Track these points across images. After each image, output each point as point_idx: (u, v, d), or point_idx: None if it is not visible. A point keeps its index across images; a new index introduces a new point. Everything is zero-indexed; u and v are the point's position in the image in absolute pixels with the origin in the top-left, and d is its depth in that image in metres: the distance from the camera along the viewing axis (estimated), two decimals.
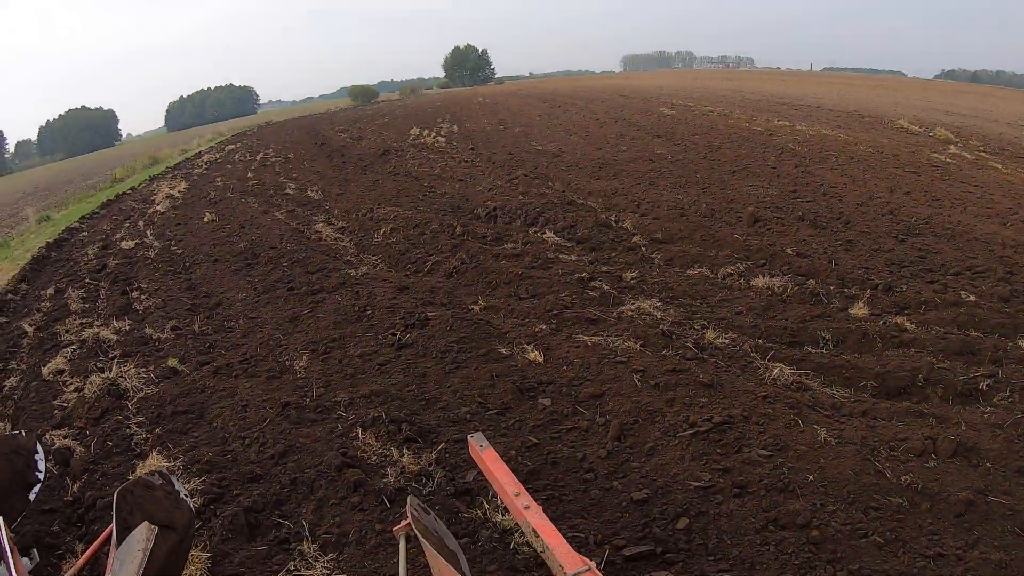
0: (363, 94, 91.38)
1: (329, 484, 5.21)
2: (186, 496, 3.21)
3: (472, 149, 22.67)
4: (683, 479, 4.79)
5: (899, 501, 4.34)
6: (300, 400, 6.68)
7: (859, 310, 7.40)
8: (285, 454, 5.71)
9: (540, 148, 21.27)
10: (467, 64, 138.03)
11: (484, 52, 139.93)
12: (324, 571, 4.37)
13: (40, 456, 4.12)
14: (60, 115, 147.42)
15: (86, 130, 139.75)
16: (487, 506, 4.76)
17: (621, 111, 31.20)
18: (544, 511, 3.21)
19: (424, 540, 2.87)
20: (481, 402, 6.21)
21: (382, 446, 5.62)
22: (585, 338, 7.14)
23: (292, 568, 4.44)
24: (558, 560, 2.76)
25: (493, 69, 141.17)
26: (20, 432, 4.19)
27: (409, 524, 3.23)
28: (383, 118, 42.59)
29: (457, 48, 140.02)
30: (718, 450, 5.04)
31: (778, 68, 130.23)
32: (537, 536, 2.98)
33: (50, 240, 18.22)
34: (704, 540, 4.27)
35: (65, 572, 4.81)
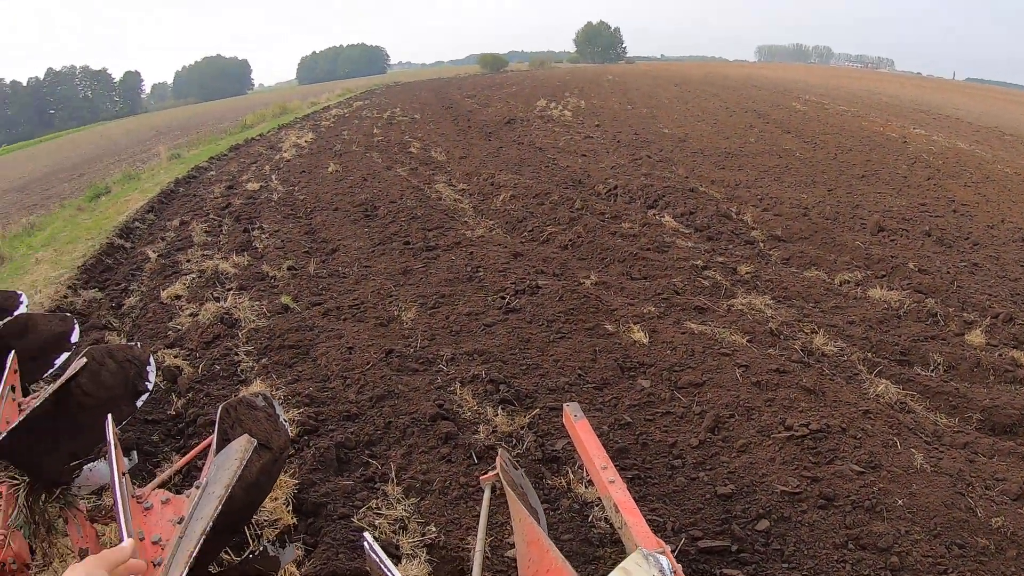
0: (492, 62, 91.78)
1: (421, 432, 5.33)
2: (284, 421, 3.31)
3: (598, 126, 22.55)
4: (770, 481, 4.68)
5: (986, 543, 4.10)
6: (404, 349, 6.82)
7: (976, 337, 7.01)
8: (383, 398, 5.85)
9: (667, 131, 21.00)
10: (599, 41, 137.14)
11: (617, 30, 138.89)
12: (404, 513, 4.50)
13: (152, 368, 4.31)
14: (196, 61, 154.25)
15: (220, 77, 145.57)
16: (571, 476, 4.79)
17: (752, 102, 30.55)
18: (628, 489, 3.20)
19: (510, 491, 2.89)
20: (581, 374, 6.21)
21: (478, 404, 5.70)
22: (692, 325, 7.05)
23: (374, 506, 4.59)
24: (634, 538, 2.73)
25: (625, 48, 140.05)
26: (136, 344, 4.41)
27: (497, 475, 3.26)
28: (511, 87, 42.81)
29: (590, 24, 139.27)
30: (810, 458, 4.89)
31: (918, 73, 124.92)
32: (617, 512, 2.94)
33: (179, 176, 19.09)
34: (781, 546, 4.17)
35: (160, 476, 5.12)
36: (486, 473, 3.55)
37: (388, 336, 7.21)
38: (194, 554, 2.26)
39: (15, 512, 3.63)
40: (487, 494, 3.36)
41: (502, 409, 5.57)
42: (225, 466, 2.64)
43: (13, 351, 4.43)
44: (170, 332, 7.91)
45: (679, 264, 8.91)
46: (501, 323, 7.29)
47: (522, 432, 5.30)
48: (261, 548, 2.82)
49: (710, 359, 6.31)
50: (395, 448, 5.22)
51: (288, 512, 4.60)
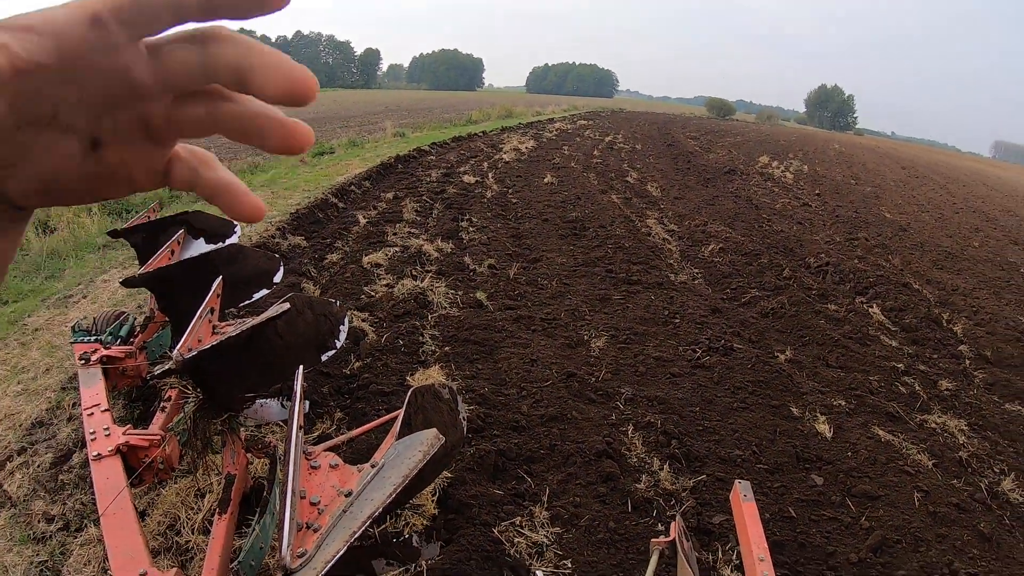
0: (720, 107, 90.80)
1: (583, 464, 5.23)
2: (464, 419, 3.30)
3: (818, 195, 21.75)
4: None
5: None
6: (586, 376, 6.75)
7: None
8: (554, 419, 5.80)
9: (888, 216, 19.94)
10: (830, 106, 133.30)
11: (850, 98, 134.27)
12: (545, 540, 4.42)
13: (344, 328, 4.44)
14: (433, 51, 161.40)
15: (453, 70, 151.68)
16: (720, 555, 4.56)
17: (981, 202, 28.68)
18: None
19: (685, 565, 2.74)
20: (756, 452, 5.92)
21: (646, 452, 5.54)
22: (880, 432, 6.58)
23: (517, 523, 4.53)
24: None
25: (856, 118, 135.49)
26: (336, 301, 4.55)
27: (671, 542, 3.11)
28: (735, 137, 42.13)
29: (824, 87, 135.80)
30: None
31: None
32: None
33: (400, 153, 19.92)
34: None
35: (322, 430, 5.36)
36: (656, 531, 3.40)
37: (573, 359, 7.16)
38: (357, 535, 2.25)
39: (178, 419, 3.90)
40: (655, 559, 3.21)
41: (669, 465, 5.39)
42: (406, 455, 2.63)
43: (220, 276, 4.69)
44: (363, 296, 8.24)
45: (879, 362, 8.37)
46: (688, 376, 7.08)
47: (683, 495, 5.10)
48: (407, 536, 2.79)
49: (891, 473, 5.86)
50: (553, 473, 5.15)
51: (433, 502, 4.64)
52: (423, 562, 3.98)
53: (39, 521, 4.50)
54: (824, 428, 6.40)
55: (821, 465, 5.87)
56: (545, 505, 4.73)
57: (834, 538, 4.98)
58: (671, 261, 11.48)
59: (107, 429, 3.69)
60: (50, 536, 4.37)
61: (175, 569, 2.72)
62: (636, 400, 6.42)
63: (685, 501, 5.00)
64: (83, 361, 4.52)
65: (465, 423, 3.26)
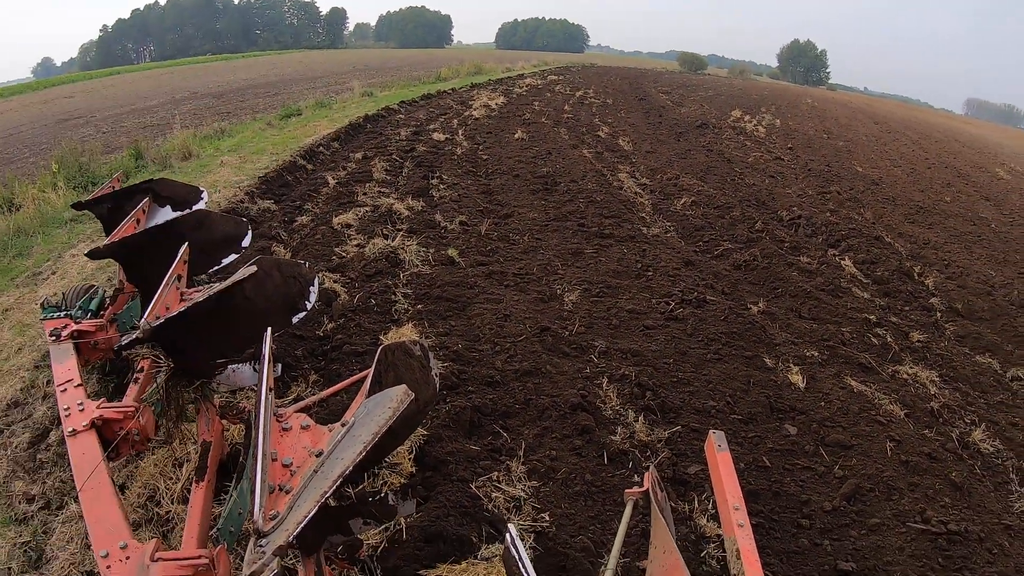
0: (692, 62, 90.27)
1: (559, 418, 5.24)
2: (436, 376, 3.28)
3: (790, 149, 21.76)
4: (894, 571, 4.30)
5: None
6: (559, 330, 6.74)
7: None
8: (528, 374, 5.80)
9: (860, 170, 19.99)
10: (803, 61, 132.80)
11: (823, 53, 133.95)
12: (522, 494, 4.43)
13: (315, 290, 4.42)
14: (400, 8, 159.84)
15: (420, 27, 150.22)
16: (696, 505, 4.58)
17: (953, 158, 28.83)
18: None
19: (659, 515, 2.74)
20: (730, 403, 5.93)
21: (621, 404, 5.55)
22: (852, 382, 6.62)
23: (495, 478, 4.54)
24: None
25: (828, 73, 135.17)
26: (305, 263, 4.50)
27: (644, 492, 3.11)
28: (707, 91, 41.99)
29: (796, 42, 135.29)
30: (939, 559, 4.46)
31: None
32: (738, 558, 2.76)
33: (368, 113, 19.77)
34: None
35: (294, 391, 5.30)
36: (630, 481, 3.40)
37: (546, 313, 7.14)
38: (328, 494, 2.23)
39: (152, 389, 3.85)
40: (629, 509, 3.20)
41: (644, 417, 5.40)
42: (376, 413, 2.60)
43: (187, 243, 4.62)
44: (334, 257, 8.19)
45: (851, 314, 8.41)
46: (661, 329, 7.07)
47: (659, 446, 5.11)
48: (383, 495, 2.77)
49: (863, 423, 5.90)
50: (529, 427, 5.15)
51: (410, 460, 4.63)
52: (401, 520, 3.98)
53: (20, 502, 4.43)
54: (797, 379, 6.43)
55: (795, 415, 5.91)
56: (522, 459, 4.73)
57: (808, 487, 5.02)
58: (643, 215, 11.45)
59: (81, 404, 3.64)
60: (32, 516, 4.30)
61: (155, 540, 2.68)
62: (610, 353, 6.41)
63: (660, 452, 5.02)
64: (54, 337, 4.45)
65: (438, 379, 3.24)
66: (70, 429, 3.48)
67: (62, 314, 4.78)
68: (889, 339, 7.88)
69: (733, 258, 9.67)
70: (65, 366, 4.13)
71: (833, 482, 5.11)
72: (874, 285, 9.87)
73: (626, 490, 3.26)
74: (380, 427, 2.43)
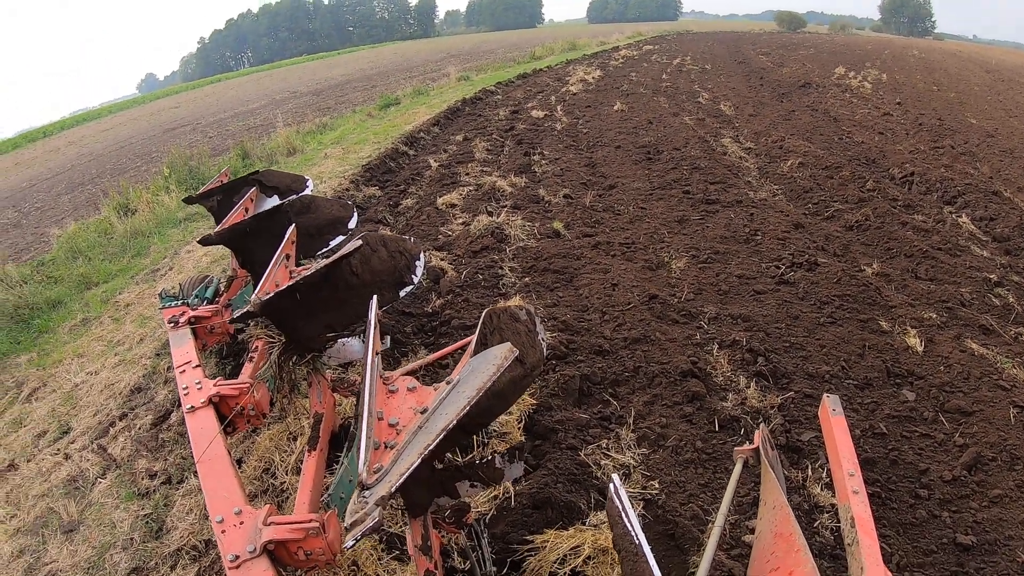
0: (790, 20, 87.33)
1: (669, 385, 5.16)
2: (543, 340, 3.25)
3: (899, 104, 20.77)
4: (1016, 546, 4.01)
5: None
6: (668, 298, 6.64)
7: None
8: (637, 342, 5.73)
9: (974, 123, 18.93)
10: (906, 11, 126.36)
11: (927, 2, 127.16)
12: (632, 461, 4.39)
13: (421, 264, 4.45)
14: None
15: (511, 9, 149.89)
16: (810, 473, 4.42)
17: None
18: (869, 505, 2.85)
19: (769, 472, 2.66)
20: (844, 367, 5.69)
21: (732, 371, 5.43)
22: (973, 345, 6.22)
23: (604, 446, 4.51)
24: (863, 560, 2.41)
25: (934, 22, 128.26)
26: (410, 238, 4.54)
27: (755, 450, 3.03)
28: (808, 49, 40.50)
29: None
30: None
31: None
32: (853, 527, 2.61)
33: (466, 96, 19.91)
34: None
35: (405, 364, 5.32)
36: (741, 445, 3.31)
37: (654, 281, 7.05)
38: (431, 447, 2.24)
39: (265, 366, 3.96)
40: (738, 467, 3.12)
41: (755, 382, 5.25)
42: (480, 369, 2.59)
43: (294, 224, 4.74)
44: (440, 236, 8.29)
45: (971, 273, 7.95)
46: (772, 293, 6.87)
47: (771, 412, 4.97)
48: (490, 457, 2.77)
49: (985, 388, 5.51)
50: (639, 394, 5.10)
51: (519, 430, 4.67)
52: (509, 486, 4.00)
53: (142, 478, 4.69)
54: (915, 342, 6.10)
55: (913, 380, 5.60)
56: (631, 427, 4.69)
57: (927, 455, 4.74)
58: (749, 179, 11.14)
59: (199, 383, 3.79)
60: (154, 491, 4.56)
61: (268, 506, 2.77)
62: (720, 319, 6.28)
63: (773, 419, 4.88)
64: (172, 324, 4.65)
65: (545, 344, 3.22)
66: (188, 406, 3.62)
67: (179, 302, 5.01)
68: (1011, 299, 7.43)
69: (844, 219, 9.31)
70: (183, 349, 4.30)
71: (953, 450, 4.81)
72: (994, 243, 9.34)
73: (735, 448, 3.19)
74: (484, 383, 2.42)
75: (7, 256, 9.72)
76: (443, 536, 3.17)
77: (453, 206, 9.42)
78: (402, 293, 4.25)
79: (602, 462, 4.37)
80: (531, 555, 3.61)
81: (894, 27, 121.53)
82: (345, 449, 3.19)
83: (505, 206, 9.21)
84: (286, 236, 4.58)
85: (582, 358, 5.52)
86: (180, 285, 5.39)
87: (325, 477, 3.42)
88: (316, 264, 4.09)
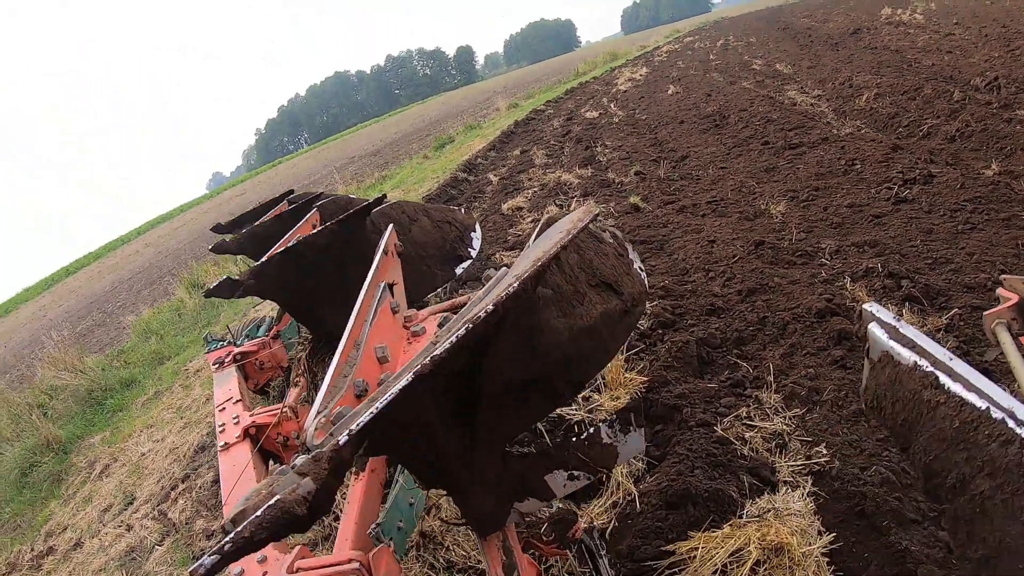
0: None
1: (806, 330, 4.21)
2: (641, 270, 2.34)
3: (956, 24, 19.27)
4: None
5: None
6: (776, 241, 5.74)
7: None
8: (754, 292, 4.81)
9: None
10: None
11: None
12: (783, 427, 3.44)
13: (477, 236, 3.65)
14: (521, 29, 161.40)
15: (547, 39, 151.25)
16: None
17: None
18: None
19: None
20: (1005, 269, 4.66)
21: (876, 300, 4.40)
22: None
23: (743, 415, 3.58)
24: None
25: None
26: (460, 208, 3.74)
27: (1018, 304, 2.07)
28: (848, 2, 38.92)
29: None
30: None
31: None
32: None
33: (518, 119, 19.45)
34: None
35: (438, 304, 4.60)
36: (989, 309, 2.22)
37: (756, 230, 6.15)
38: (440, 357, 1.27)
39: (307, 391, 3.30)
40: (1005, 337, 2.08)
41: (908, 307, 4.25)
42: (537, 246, 1.75)
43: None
44: (509, 238, 7.73)
45: None
46: (892, 214, 5.85)
47: (939, 336, 3.94)
48: (591, 432, 1.83)
49: None
50: (772, 348, 4.16)
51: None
52: (627, 462, 3.07)
53: (199, 539, 4.23)
54: None
55: None
56: (773, 387, 3.72)
57: None
58: (827, 120, 10.08)
59: (236, 417, 3.10)
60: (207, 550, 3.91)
61: (300, 547, 1.96)
62: (842, 251, 5.30)
63: (945, 343, 3.86)
64: (217, 365, 4.04)
65: (644, 276, 2.31)
66: (222, 443, 2.93)
67: (224, 343, 4.38)
68: None
69: (942, 131, 8.18)
70: (226, 387, 3.63)
71: None
72: None
73: (985, 313, 2.14)
74: (547, 251, 1.46)
75: (88, 351, 9.62)
76: (541, 561, 2.25)
77: (519, 209, 8.78)
78: (459, 269, 3.40)
79: (746, 435, 3.43)
80: (675, 572, 2.70)
81: None
82: (398, 468, 2.37)
83: (575, 196, 8.51)
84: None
85: (693, 322, 4.62)
86: (228, 327, 4.74)
87: (381, 505, 2.57)
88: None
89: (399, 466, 2.38)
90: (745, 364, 4.04)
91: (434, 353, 1.23)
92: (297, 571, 1.83)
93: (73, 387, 8.12)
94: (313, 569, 1.82)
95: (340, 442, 1.15)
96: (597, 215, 1.74)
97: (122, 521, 4.99)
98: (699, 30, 48.71)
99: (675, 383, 3.94)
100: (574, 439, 1.86)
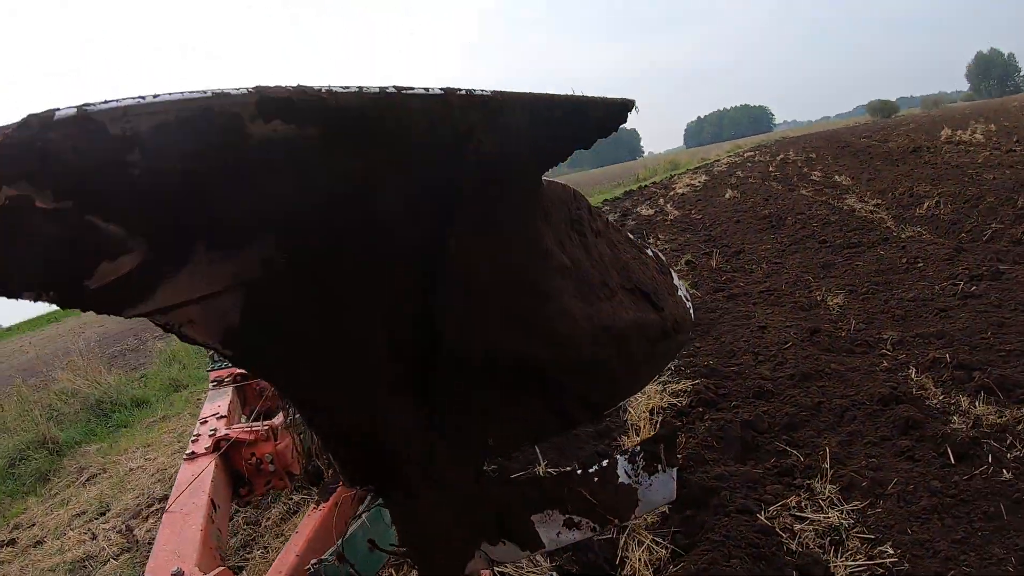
0: (882, 109, 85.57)
1: (867, 418, 3.75)
2: (686, 299, 1.99)
3: (1017, 142, 18.90)
4: None
5: None
6: (833, 330, 5.33)
7: None
8: (808, 377, 4.36)
9: None
10: (993, 72, 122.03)
11: (1011, 56, 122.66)
12: (841, 521, 2.97)
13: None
14: None
15: (611, 145, 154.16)
16: None
17: None
18: None
19: None
20: None
21: (944, 391, 3.95)
22: None
23: (792, 504, 3.12)
24: None
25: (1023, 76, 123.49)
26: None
27: None
28: (907, 125, 38.88)
29: (980, 54, 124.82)
30: None
31: None
32: None
33: None
34: None
35: None
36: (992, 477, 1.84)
37: (811, 319, 5.76)
38: None
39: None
40: None
41: (982, 398, 3.75)
42: None
43: None
44: None
45: None
46: (960, 308, 5.40)
47: (1019, 428, 3.43)
48: (606, 463, 1.44)
49: None
50: (827, 435, 3.69)
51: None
52: (655, 512, 2.61)
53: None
54: None
55: None
56: (828, 476, 3.24)
57: None
58: (887, 225, 9.69)
59: (213, 430, 2.82)
60: None
61: (222, 569, 1.68)
62: (906, 342, 4.84)
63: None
64: (216, 383, 3.78)
65: (690, 305, 1.95)
66: (189, 451, 2.66)
67: (228, 364, 4.04)
68: None
69: (1008, 235, 7.72)
70: (216, 403, 3.37)
71: None
72: None
73: None
74: None
75: (110, 365, 9.44)
76: None
77: None
78: None
79: (795, 527, 2.96)
80: None
81: (984, 92, 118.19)
82: (369, 499, 1.97)
83: None
84: None
85: (737, 403, 4.18)
86: None
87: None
88: None
89: (368, 500, 2.00)
90: (796, 451, 3.58)
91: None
92: None
93: (84, 395, 8.14)
94: None
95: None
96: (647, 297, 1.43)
97: (89, 529, 4.84)
98: (760, 147, 49.08)
99: (713, 464, 3.50)
100: (580, 471, 1.46)
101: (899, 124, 45.26)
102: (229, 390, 3.61)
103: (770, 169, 23.21)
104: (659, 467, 1.49)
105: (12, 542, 4.97)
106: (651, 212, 15.65)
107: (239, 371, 3.75)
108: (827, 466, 3.31)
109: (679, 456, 2.76)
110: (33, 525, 5.25)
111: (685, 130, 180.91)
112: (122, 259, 0.95)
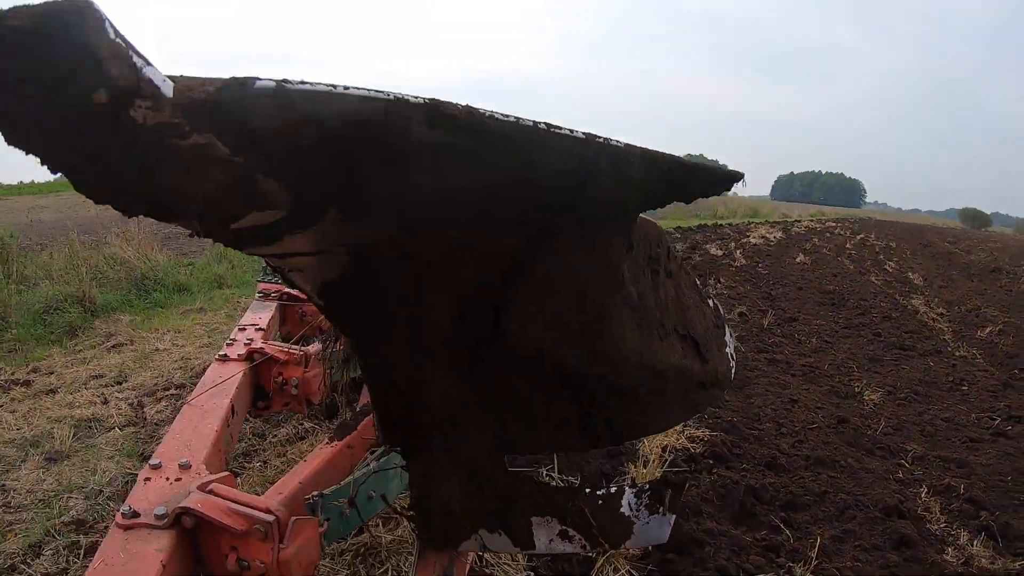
0: (974, 217, 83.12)
1: (866, 522, 3.71)
2: (732, 357, 2.03)
3: None
4: None
5: None
6: (861, 425, 5.26)
7: None
8: (823, 464, 4.33)
9: None
10: None
11: None
12: None
13: None
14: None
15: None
16: None
17: None
18: None
19: None
20: None
21: (948, 521, 3.90)
22: None
23: None
24: None
25: None
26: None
27: None
28: (994, 243, 37.61)
29: None
30: None
31: None
32: None
33: None
34: None
35: None
36: None
37: (843, 408, 5.68)
38: None
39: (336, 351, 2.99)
40: None
41: (982, 539, 3.70)
42: None
43: None
44: None
45: None
46: (989, 443, 5.27)
47: None
48: (611, 491, 1.51)
49: None
50: (823, 525, 3.67)
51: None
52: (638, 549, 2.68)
53: (154, 443, 3.96)
54: None
55: None
56: (811, 566, 3.23)
57: None
58: (945, 337, 9.45)
59: (250, 339, 2.90)
60: None
61: (227, 474, 1.75)
62: (927, 460, 4.76)
63: None
64: (262, 295, 3.87)
65: (733, 363, 2.00)
66: (222, 353, 2.73)
67: (280, 281, 4.15)
68: None
69: None
70: (258, 315, 3.45)
71: None
72: None
73: None
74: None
75: (162, 246, 9.60)
76: None
77: None
78: None
79: None
80: None
81: None
82: (380, 451, 2.07)
83: None
84: None
85: (748, 467, 4.17)
86: None
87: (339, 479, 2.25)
88: None
89: (378, 452, 2.09)
90: (789, 531, 3.57)
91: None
92: (209, 491, 1.58)
93: (131, 266, 8.28)
94: (224, 498, 1.56)
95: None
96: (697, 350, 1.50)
97: (103, 393, 4.90)
98: (843, 220, 47.82)
99: (707, 517, 3.51)
100: (588, 490, 1.54)
101: (987, 239, 43.90)
102: (273, 305, 3.70)
103: (848, 246, 22.72)
104: (661, 509, 1.58)
105: (27, 383, 5.06)
106: (719, 253, 15.45)
107: (287, 289, 3.85)
108: (813, 555, 3.31)
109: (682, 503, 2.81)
110: (51, 373, 5.34)
111: (775, 181, 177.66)
112: (269, 211, 1.07)
